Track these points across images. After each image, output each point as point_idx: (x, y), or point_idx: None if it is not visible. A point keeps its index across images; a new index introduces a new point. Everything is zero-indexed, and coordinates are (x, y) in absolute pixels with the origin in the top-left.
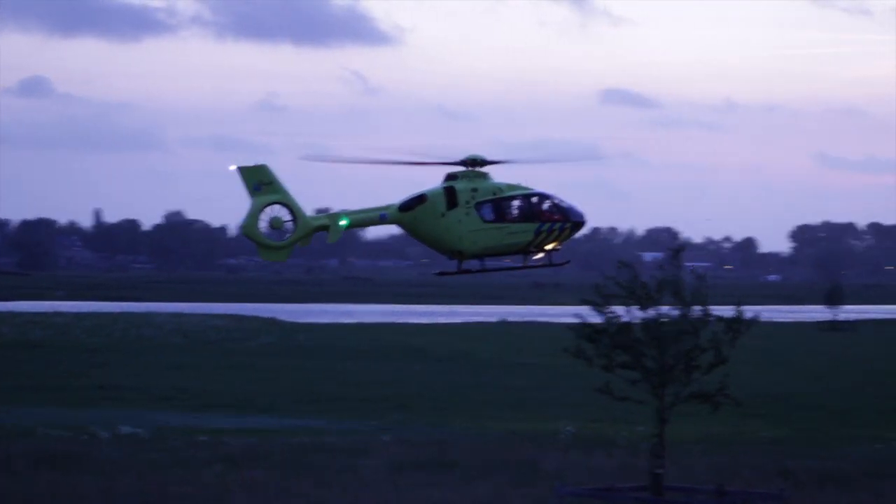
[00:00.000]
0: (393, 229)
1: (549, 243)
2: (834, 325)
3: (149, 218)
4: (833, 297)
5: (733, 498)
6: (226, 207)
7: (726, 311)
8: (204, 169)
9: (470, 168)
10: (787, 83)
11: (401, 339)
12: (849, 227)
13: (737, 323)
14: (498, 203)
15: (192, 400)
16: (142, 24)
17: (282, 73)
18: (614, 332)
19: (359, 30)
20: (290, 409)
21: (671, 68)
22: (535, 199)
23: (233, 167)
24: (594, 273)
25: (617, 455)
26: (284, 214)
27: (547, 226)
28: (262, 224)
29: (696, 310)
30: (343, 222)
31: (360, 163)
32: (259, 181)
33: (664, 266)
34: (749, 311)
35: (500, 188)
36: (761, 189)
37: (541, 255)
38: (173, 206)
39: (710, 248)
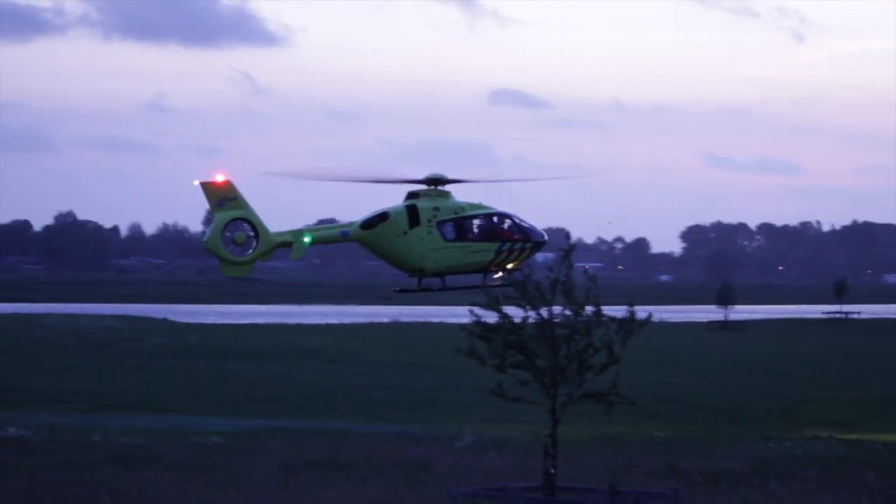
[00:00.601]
0: (282, 228)
1: (509, 262)
2: (725, 326)
3: (39, 219)
4: (724, 298)
5: (626, 497)
6: (117, 208)
7: (618, 311)
8: (94, 169)
9: (432, 187)
10: (676, 84)
11: (293, 340)
12: (740, 228)
13: (629, 323)
14: (459, 222)
15: (85, 401)
16: (29, 24)
17: (170, 74)
18: (507, 333)
19: (247, 30)
20: (182, 410)
21: (560, 69)
22: (495, 219)
23: (196, 182)
24: None
25: (510, 455)
26: (247, 230)
27: (507, 245)
28: (225, 239)
29: (588, 310)
30: (306, 239)
31: (324, 180)
32: (223, 197)
33: (556, 266)
34: (641, 311)
35: (461, 207)
36: (652, 189)
37: (500, 273)
38: (64, 207)
39: (601, 249)
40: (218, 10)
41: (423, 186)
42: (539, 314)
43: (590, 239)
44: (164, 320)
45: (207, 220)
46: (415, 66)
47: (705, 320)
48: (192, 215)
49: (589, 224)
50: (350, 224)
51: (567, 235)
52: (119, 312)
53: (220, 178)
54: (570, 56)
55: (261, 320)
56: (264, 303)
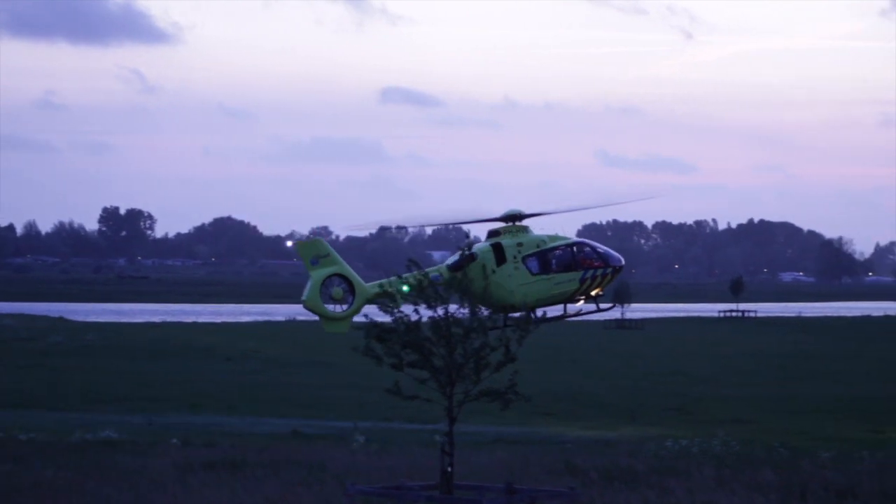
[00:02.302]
0: (177, 227)
1: (593, 290)
2: (621, 324)
3: None
4: (621, 296)
5: (522, 495)
6: (11, 206)
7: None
8: None
9: (511, 223)
10: (566, 82)
11: (190, 338)
12: (636, 226)
13: (525, 321)
14: (543, 255)
15: None
16: None
17: (60, 71)
18: (403, 331)
19: (136, 27)
20: (79, 408)
21: (451, 67)
22: (575, 248)
23: (290, 244)
24: (382, 272)
25: (407, 453)
26: (343, 285)
27: (590, 273)
28: (323, 296)
29: (485, 311)
30: (405, 288)
31: (405, 227)
32: (316, 255)
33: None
34: (537, 309)
35: (542, 240)
36: (546, 187)
37: (585, 301)
38: None
39: None
40: (106, 7)
41: (502, 224)
42: (435, 313)
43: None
44: (60, 319)
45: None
46: (305, 63)
47: (602, 319)
48: (86, 214)
49: None
50: (438, 268)
51: (466, 234)
52: (15, 311)
53: (313, 237)
54: (460, 54)
55: (157, 319)
56: (160, 301)
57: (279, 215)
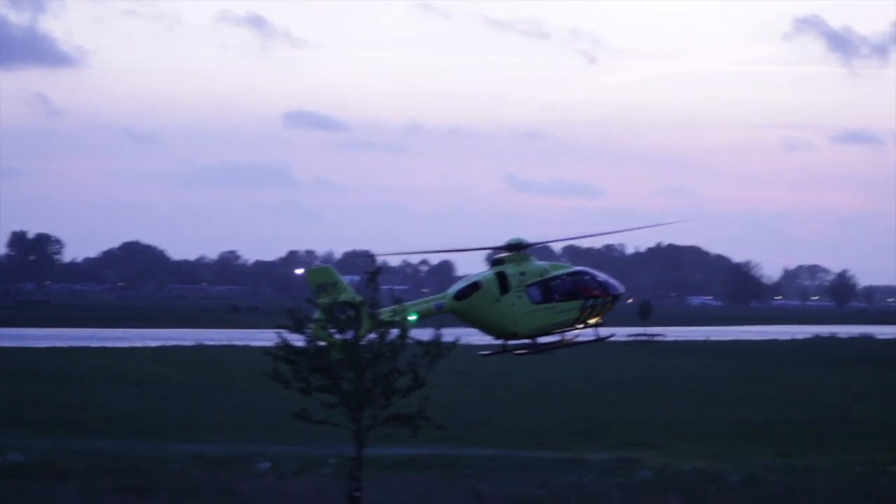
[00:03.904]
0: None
1: (592, 318)
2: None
3: None
4: None
5: None
6: None
7: (424, 333)
8: None
9: (514, 252)
10: (471, 106)
11: (98, 363)
12: (543, 250)
13: (435, 346)
14: (545, 284)
15: None
16: None
17: None
18: (312, 356)
19: (40, 51)
20: None
21: (355, 90)
22: (576, 277)
23: (300, 271)
24: (291, 297)
25: (315, 478)
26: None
27: (590, 301)
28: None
29: (394, 333)
30: (412, 318)
31: (405, 254)
32: (324, 282)
33: (361, 289)
34: (447, 334)
35: (545, 269)
36: (455, 212)
37: (584, 329)
38: None
39: (407, 272)
40: (8, 29)
41: (506, 252)
42: (344, 337)
43: (395, 262)
44: None
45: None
46: (210, 87)
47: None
48: None
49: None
50: (443, 296)
51: (372, 258)
52: None
53: (321, 265)
54: (364, 78)
55: (63, 343)
56: (66, 326)
57: (188, 240)
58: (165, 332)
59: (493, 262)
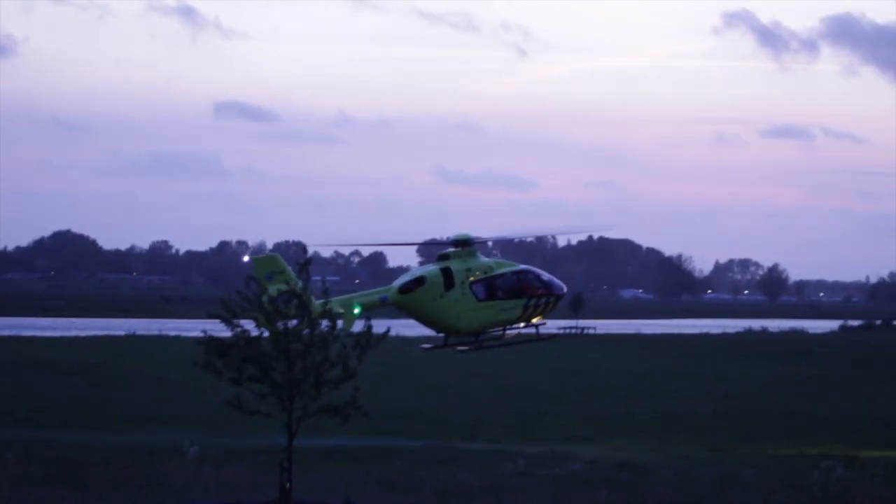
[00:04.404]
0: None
1: (535, 317)
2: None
3: None
4: None
5: None
6: None
7: (356, 325)
8: None
9: (460, 248)
10: (402, 97)
11: (28, 352)
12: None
13: (365, 338)
14: (489, 281)
15: None
16: None
17: None
18: (243, 346)
19: None
20: None
21: (286, 81)
22: (521, 276)
23: (246, 258)
24: (223, 287)
25: (247, 468)
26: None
27: (533, 301)
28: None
29: (325, 324)
30: (357, 310)
31: (361, 245)
32: (271, 270)
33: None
34: (378, 325)
35: (490, 266)
36: (385, 203)
37: (526, 328)
38: None
39: (339, 262)
40: None
41: (451, 248)
42: (288, 327)
43: (326, 252)
44: None
45: None
46: (140, 77)
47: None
48: None
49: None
50: (388, 289)
51: (304, 249)
52: None
53: (268, 253)
54: (295, 69)
55: None
56: None
57: (119, 229)
58: (96, 322)
59: (440, 258)
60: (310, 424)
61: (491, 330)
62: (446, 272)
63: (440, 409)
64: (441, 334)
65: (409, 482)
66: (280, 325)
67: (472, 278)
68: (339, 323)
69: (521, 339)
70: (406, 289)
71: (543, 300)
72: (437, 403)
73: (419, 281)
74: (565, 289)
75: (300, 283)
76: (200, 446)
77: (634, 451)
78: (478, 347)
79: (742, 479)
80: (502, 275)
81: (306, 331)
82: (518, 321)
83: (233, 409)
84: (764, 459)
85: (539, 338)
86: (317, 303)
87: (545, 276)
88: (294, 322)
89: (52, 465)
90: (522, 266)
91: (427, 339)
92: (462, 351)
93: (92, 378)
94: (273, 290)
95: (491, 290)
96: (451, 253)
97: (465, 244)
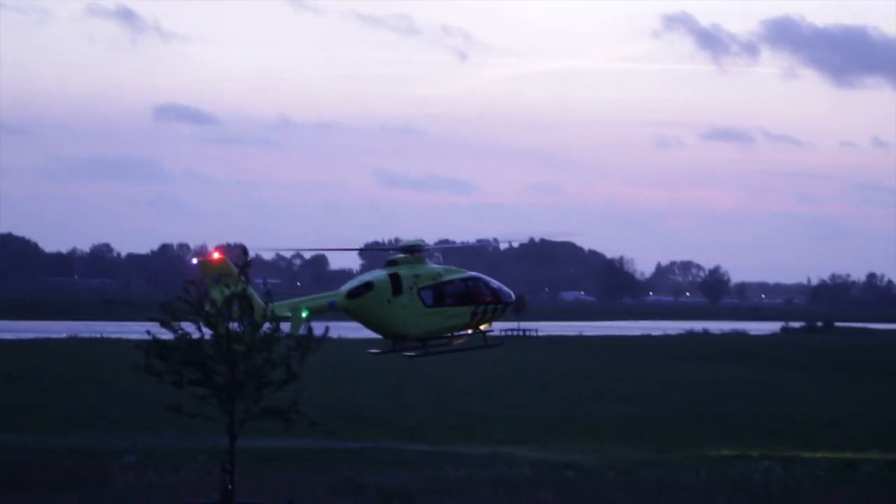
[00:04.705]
0: None
1: (483, 324)
2: None
3: None
4: None
5: None
6: None
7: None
8: None
9: (409, 254)
10: (341, 101)
11: None
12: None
13: (307, 339)
14: (438, 288)
15: None
16: None
17: None
18: (184, 349)
19: None
20: None
21: (225, 84)
22: (469, 283)
23: (194, 261)
24: (164, 289)
25: (189, 471)
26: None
27: (481, 308)
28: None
29: (266, 326)
30: (304, 314)
31: (307, 250)
32: (219, 273)
33: (226, 276)
34: (319, 327)
35: (438, 273)
36: (327, 207)
37: (473, 334)
38: None
39: (280, 265)
40: None
41: (400, 254)
42: (216, 331)
43: (268, 255)
44: None
45: None
46: (79, 80)
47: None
48: None
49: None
50: (336, 294)
51: (244, 251)
52: None
53: (216, 255)
54: (234, 72)
55: None
56: None
57: (60, 232)
58: (38, 325)
59: (388, 263)
60: (252, 426)
61: (439, 336)
62: (394, 278)
63: (382, 411)
64: (389, 339)
65: (352, 484)
66: (240, 326)
67: (419, 285)
68: (285, 327)
69: (469, 346)
70: (354, 294)
71: (491, 307)
72: (379, 405)
73: (367, 286)
74: (514, 296)
75: (247, 287)
76: (142, 448)
77: (577, 453)
78: (425, 353)
79: (684, 481)
80: (451, 281)
81: (250, 333)
82: (466, 328)
83: (173, 413)
84: (705, 461)
85: (486, 344)
86: (276, 305)
87: (494, 283)
88: (239, 326)
89: None
90: (471, 273)
91: (374, 343)
92: (409, 356)
93: (34, 381)
94: (217, 292)
95: (439, 297)
96: (399, 259)
97: (414, 250)
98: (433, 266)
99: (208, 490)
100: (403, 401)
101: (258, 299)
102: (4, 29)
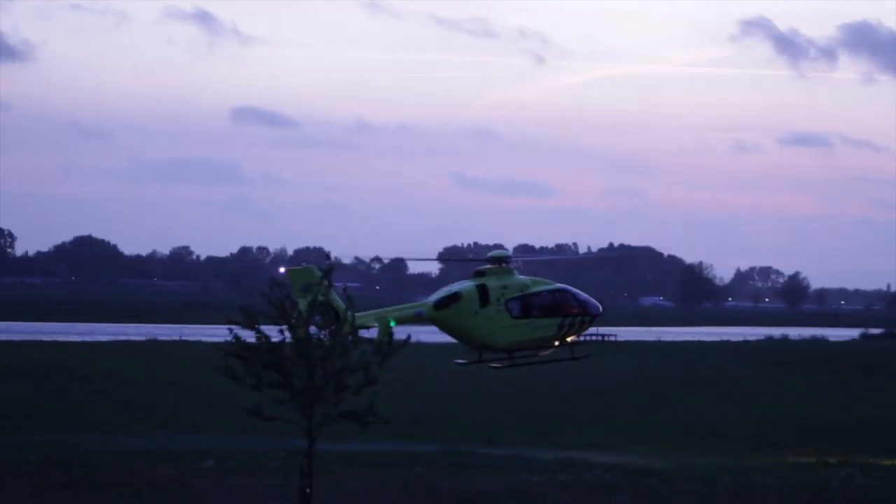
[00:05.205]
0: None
1: (569, 336)
2: None
3: None
4: None
5: None
6: None
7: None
8: None
9: (497, 265)
10: (419, 104)
11: (46, 358)
12: (497, 248)
13: (386, 344)
14: (525, 299)
15: None
16: None
17: None
18: (264, 352)
19: None
20: None
21: (303, 87)
22: (557, 295)
23: (282, 270)
24: (243, 293)
25: (268, 474)
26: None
27: (569, 320)
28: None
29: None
30: (391, 324)
31: (408, 259)
32: (307, 282)
33: (315, 286)
34: (399, 332)
35: (526, 284)
36: (405, 210)
37: (561, 347)
38: None
39: (359, 269)
40: None
41: (489, 265)
42: (297, 334)
43: (347, 259)
44: None
45: None
46: (157, 83)
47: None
48: None
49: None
50: (423, 304)
51: (326, 255)
52: None
53: (304, 265)
54: (312, 75)
55: (13, 337)
56: (16, 319)
57: (140, 235)
58: (117, 327)
59: (476, 274)
60: (328, 430)
61: (525, 348)
62: (482, 289)
63: (458, 415)
64: (475, 351)
65: (431, 488)
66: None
67: (507, 296)
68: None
69: (555, 358)
70: (441, 305)
71: (578, 319)
72: (455, 409)
73: (455, 297)
74: (601, 308)
75: (336, 297)
76: (220, 451)
77: (654, 457)
78: (511, 365)
79: (760, 487)
80: (538, 293)
81: (328, 336)
82: (553, 340)
83: (252, 416)
84: (784, 467)
85: (573, 356)
86: (361, 315)
87: (581, 295)
88: (318, 332)
89: (73, 469)
90: (559, 285)
91: (461, 353)
92: (495, 368)
93: (112, 383)
94: (303, 303)
95: (526, 308)
96: (487, 270)
97: (501, 261)
98: (521, 277)
99: (288, 494)
100: (479, 404)
101: (346, 310)
102: (83, 31)
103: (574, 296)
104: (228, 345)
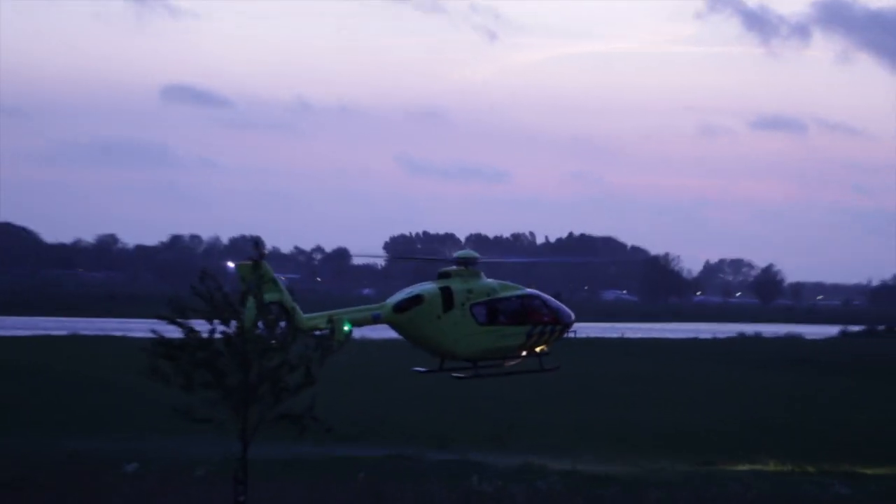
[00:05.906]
0: None
1: (538, 345)
2: None
3: None
4: None
5: None
6: None
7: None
8: None
9: (463, 266)
10: (364, 83)
11: None
12: (448, 238)
13: (328, 340)
14: (492, 305)
15: None
16: None
17: None
18: (194, 350)
19: None
20: None
21: (239, 65)
22: (526, 301)
23: (231, 264)
24: (174, 284)
25: (198, 481)
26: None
27: (538, 328)
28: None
29: (283, 325)
30: (346, 327)
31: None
32: (257, 278)
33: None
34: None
35: (493, 288)
36: (349, 196)
37: (528, 357)
38: None
39: (300, 259)
40: None
41: (454, 266)
42: (228, 329)
43: (286, 248)
44: None
45: None
46: (82, 58)
47: None
48: None
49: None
50: (381, 306)
51: (255, 241)
52: None
53: (254, 260)
54: (249, 52)
55: None
56: None
57: (62, 222)
58: (37, 321)
59: (440, 276)
60: (265, 432)
61: (491, 357)
62: (446, 292)
63: (408, 417)
64: (437, 358)
65: (377, 493)
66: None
67: (473, 300)
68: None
69: (523, 369)
70: (401, 307)
71: (549, 328)
72: (405, 410)
73: (416, 300)
74: (573, 317)
75: (287, 294)
76: (148, 453)
77: (616, 463)
78: (475, 375)
79: (730, 494)
80: (507, 298)
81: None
82: (521, 349)
83: (181, 417)
84: (755, 475)
85: (542, 368)
86: (305, 317)
87: (553, 302)
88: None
89: None
90: (529, 290)
91: (420, 360)
92: (458, 378)
93: (35, 380)
94: (252, 301)
95: (493, 314)
96: (452, 271)
97: (468, 263)
98: (488, 281)
99: (220, 501)
100: (430, 406)
101: (298, 310)
102: (3, 3)
103: (545, 302)
104: (155, 342)
